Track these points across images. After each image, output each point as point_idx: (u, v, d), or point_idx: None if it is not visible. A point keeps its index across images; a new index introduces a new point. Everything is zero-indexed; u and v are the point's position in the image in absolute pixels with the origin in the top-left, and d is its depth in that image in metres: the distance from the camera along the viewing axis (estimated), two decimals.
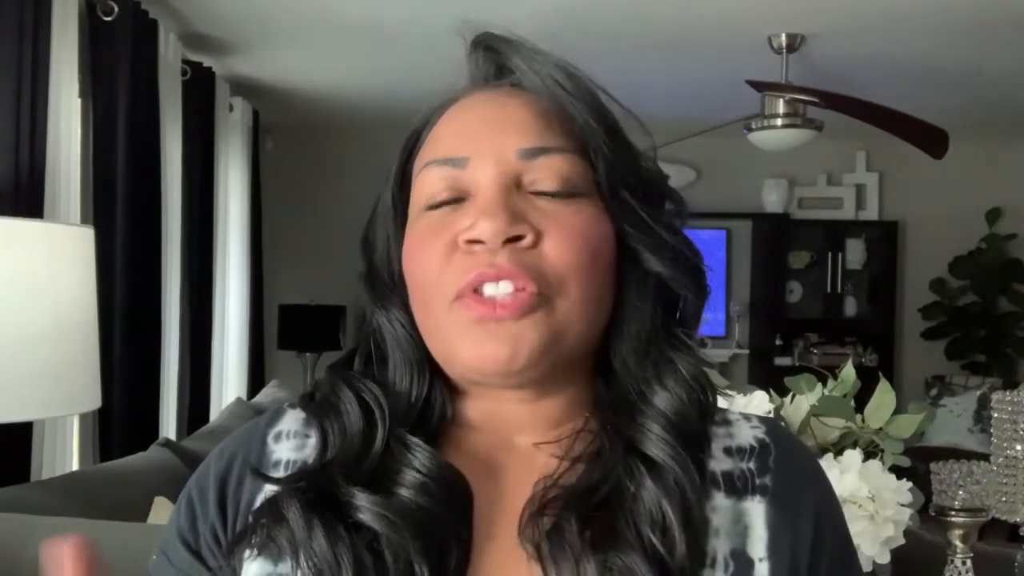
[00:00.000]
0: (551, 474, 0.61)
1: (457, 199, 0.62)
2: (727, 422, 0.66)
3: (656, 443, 0.61)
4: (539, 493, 0.60)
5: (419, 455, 0.61)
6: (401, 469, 0.61)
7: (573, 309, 0.61)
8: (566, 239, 0.61)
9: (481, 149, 0.62)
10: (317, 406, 0.66)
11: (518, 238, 0.60)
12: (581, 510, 0.59)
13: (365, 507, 0.59)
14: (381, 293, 0.67)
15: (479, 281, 0.59)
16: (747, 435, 0.66)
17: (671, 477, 0.60)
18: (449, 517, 0.60)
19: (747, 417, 0.68)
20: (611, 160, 0.63)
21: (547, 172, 0.62)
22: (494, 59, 0.66)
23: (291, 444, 0.66)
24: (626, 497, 0.59)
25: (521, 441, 0.65)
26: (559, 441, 0.63)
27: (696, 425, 0.63)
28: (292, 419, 0.68)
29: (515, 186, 0.62)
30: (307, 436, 0.66)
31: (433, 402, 0.66)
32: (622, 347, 0.65)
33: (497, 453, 0.65)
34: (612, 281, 0.64)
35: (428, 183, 0.63)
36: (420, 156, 0.66)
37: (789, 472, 0.65)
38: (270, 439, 0.67)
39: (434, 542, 0.58)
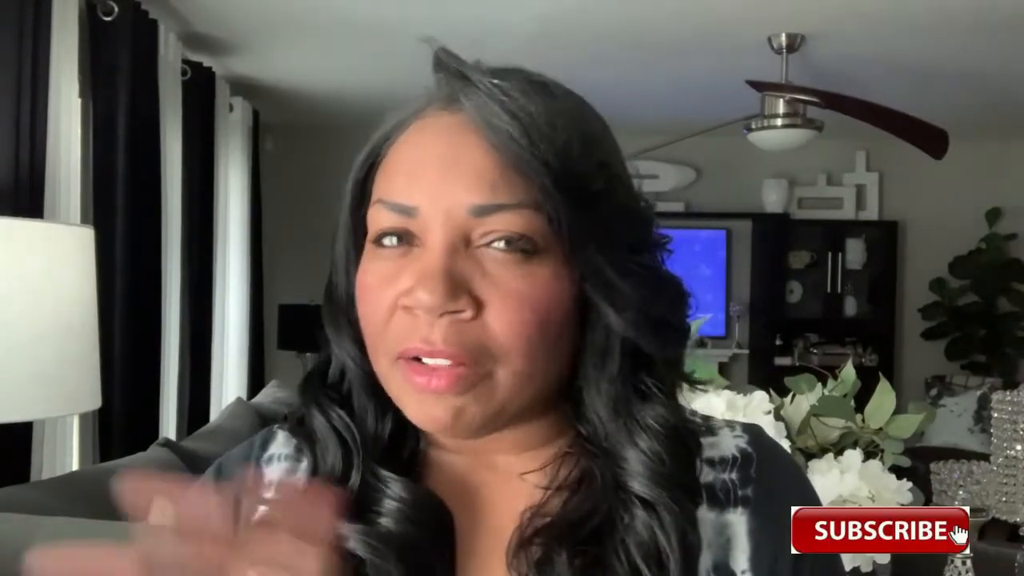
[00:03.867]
0: (537, 503, 0.61)
1: (405, 239, 0.59)
2: (711, 431, 0.65)
3: (644, 485, 0.60)
4: (527, 522, 0.60)
5: (393, 487, 0.61)
6: (380, 499, 0.61)
7: (517, 379, 0.58)
8: (510, 310, 0.57)
9: (431, 200, 0.58)
10: (306, 431, 0.65)
11: (456, 311, 0.56)
12: (571, 542, 0.58)
13: (348, 535, 0.59)
14: (336, 320, 0.65)
15: (413, 353, 0.57)
16: (729, 445, 0.65)
17: (667, 515, 0.59)
18: (430, 542, 0.59)
19: (731, 425, 0.67)
20: (574, 219, 0.57)
21: (500, 227, 0.57)
22: (453, 84, 0.60)
23: (282, 468, 0.66)
24: (618, 528, 0.59)
25: (502, 462, 0.65)
26: (543, 468, 0.63)
27: (679, 473, 0.61)
28: (283, 442, 0.68)
29: (464, 244, 0.57)
30: (298, 460, 0.66)
31: (405, 425, 0.64)
32: (592, 399, 0.62)
33: (477, 475, 0.65)
34: (572, 336, 0.61)
35: (378, 220, 0.60)
36: (378, 178, 0.62)
37: (771, 482, 0.64)
38: (263, 463, 0.67)
39: (417, 567, 0.58)
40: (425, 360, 0.57)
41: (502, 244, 0.57)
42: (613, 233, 0.59)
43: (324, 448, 0.63)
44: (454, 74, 0.60)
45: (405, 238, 0.59)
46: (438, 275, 0.56)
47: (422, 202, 0.58)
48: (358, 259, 0.63)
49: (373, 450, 0.63)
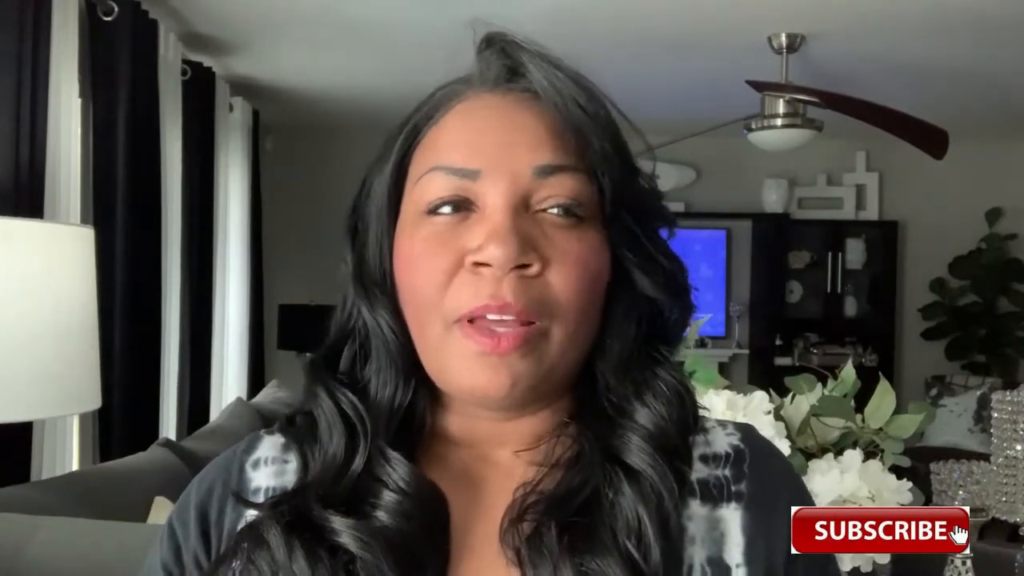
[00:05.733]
0: (530, 480, 0.62)
1: (462, 207, 0.61)
2: (703, 429, 0.66)
3: (635, 452, 0.61)
4: (519, 499, 0.61)
5: (398, 469, 0.61)
6: (379, 489, 0.61)
7: (569, 339, 0.61)
8: (570, 269, 0.60)
9: (494, 163, 0.60)
10: (297, 431, 0.66)
11: (525, 266, 0.59)
12: (560, 515, 0.59)
13: (341, 530, 0.59)
14: (370, 291, 0.65)
15: (483, 313, 0.59)
16: (723, 442, 0.66)
17: (648, 484, 0.60)
18: (425, 535, 0.60)
19: (723, 424, 0.68)
20: (618, 184, 0.62)
21: (558, 191, 0.61)
22: (506, 62, 0.64)
23: (269, 471, 0.66)
24: (604, 503, 0.60)
25: (500, 454, 0.65)
26: (538, 447, 0.64)
27: (677, 439, 0.63)
28: (269, 445, 0.68)
29: (524, 207, 0.60)
30: (286, 462, 0.66)
31: (415, 410, 0.66)
32: (604, 364, 0.65)
33: (476, 466, 0.65)
34: (603, 303, 0.64)
35: (433, 188, 0.61)
36: (422, 154, 0.64)
37: (764, 478, 0.65)
38: (248, 467, 0.67)
39: (410, 559, 0.59)
40: (490, 318, 0.59)
41: (558, 210, 0.61)
42: (644, 203, 0.65)
43: (329, 432, 0.63)
44: (512, 47, 0.63)
45: (461, 206, 0.61)
46: (509, 230, 0.59)
47: (484, 165, 0.61)
48: (391, 236, 0.65)
49: (385, 429, 0.63)
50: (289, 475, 0.65)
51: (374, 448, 0.62)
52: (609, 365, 0.64)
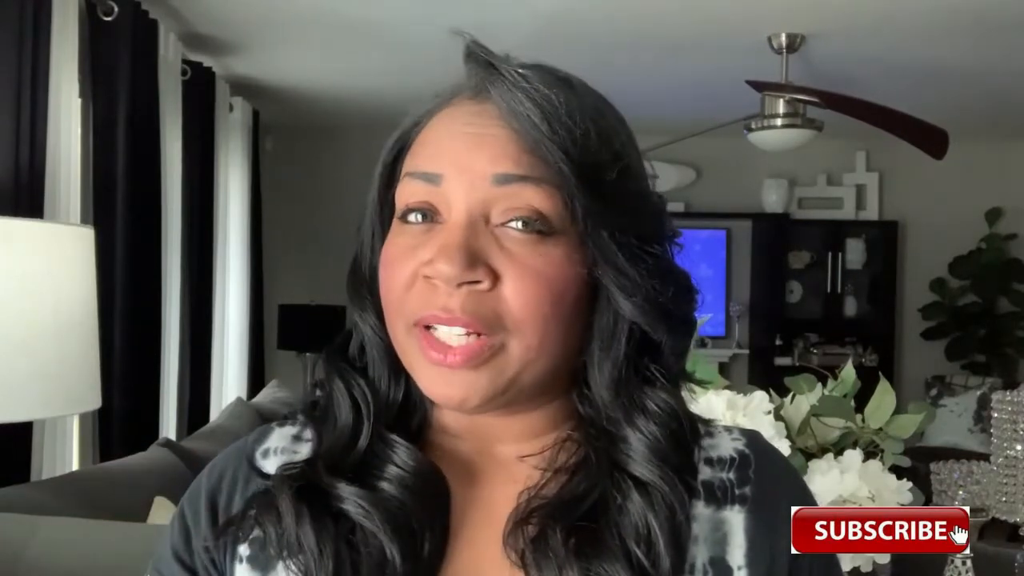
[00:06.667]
0: (535, 485, 0.62)
1: (429, 216, 0.62)
2: (709, 434, 0.67)
3: (641, 464, 0.62)
4: (523, 503, 0.61)
5: (399, 452, 0.63)
6: (383, 465, 0.63)
7: (529, 353, 0.60)
8: (526, 284, 0.59)
9: (455, 169, 0.61)
10: (315, 414, 0.68)
11: (475, 281, 0.59)
12: (566, 519, 0.60)
13: (346, 497, 0.61)
14: (359, 291, 0.67)
15: (432, 322, 0.60)
16: (728, 446, 0.67)
17: (660, 496, 0.60)
18: (425, 509, 0.61)
19: (729, 429, 0.69)
20: (589, 203, 0.60)
21: (518, 203, 0.60)
22: (481, 76, 0.63)
23: (279, 460, 0.68)
24: (611, 509, 0.60)
25: (502, 450, 0.66)
26: (542, 453, 0.64)
27: (676, 456, 0.62)
28: (279, 437, 0.69)
29: (483, 219, 0.60)
30: (295, 452, 0.68)
31: (414, 401, 0.67)
32: (596, 380, 0.64)
33: (478, 459, 0.66)
34: (583, 317, 0.63)
35: (405, 194, 0.63)
36: (406, 160, 0.65)
37: (768, 483, 0.65)
38: (258, 455, 0.69)
39: (408, 530, 0.60)
40: (441, 328, 0.60)
41: (519, 224, 0.60)
42: (625, 221, 0.62)
43: (339, 409, 0.65)
44: (482, 64, 0.62)
45: (429, 215, 0.62)
46: (458, 247, 0.59)
47: (447, 170, 0.61)
48: (383, 236, 0.65)
49: (387, 414, 0.65)
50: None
51: (376, 431, 0.64)
52: (601, 380, 0.64)
